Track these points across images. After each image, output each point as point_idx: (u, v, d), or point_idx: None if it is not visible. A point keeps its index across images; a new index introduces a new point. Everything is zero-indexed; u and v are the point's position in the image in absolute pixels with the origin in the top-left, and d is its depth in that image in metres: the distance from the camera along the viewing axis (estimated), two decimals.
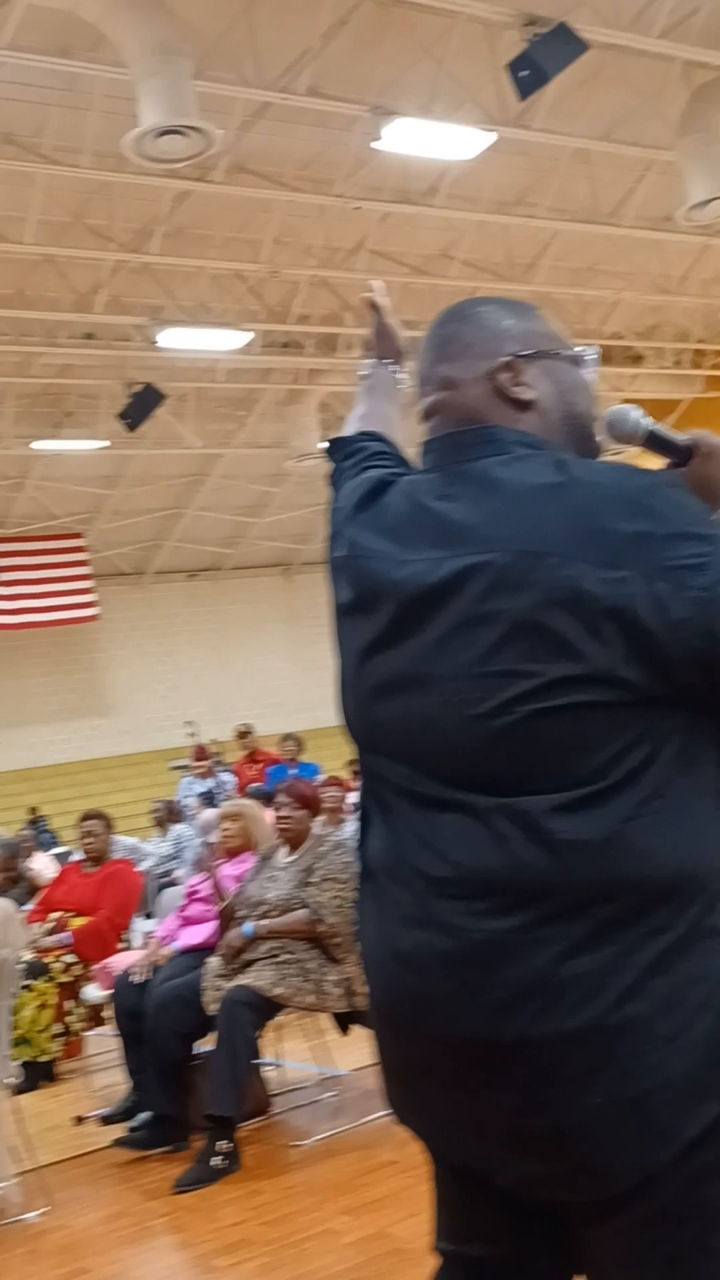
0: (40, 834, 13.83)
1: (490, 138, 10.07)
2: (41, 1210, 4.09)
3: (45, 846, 11.42)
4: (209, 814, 7.72)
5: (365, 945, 1.60)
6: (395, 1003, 1.53)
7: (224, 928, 4.83)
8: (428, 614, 1.52)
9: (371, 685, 1.59)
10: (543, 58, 8.42)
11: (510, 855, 1.42)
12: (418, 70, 9.66)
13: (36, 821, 15.34)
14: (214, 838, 5.71)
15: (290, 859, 4.93)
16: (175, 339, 13.62)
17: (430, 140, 9.93)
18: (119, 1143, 4.57)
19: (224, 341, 14.13)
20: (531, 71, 8.43)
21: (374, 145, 10.12)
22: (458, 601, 1.50)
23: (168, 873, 9.10)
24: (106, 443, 16.32)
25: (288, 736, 11.46)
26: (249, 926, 4.68)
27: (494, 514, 1.51)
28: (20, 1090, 4.62)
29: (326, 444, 1.88)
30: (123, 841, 7.98)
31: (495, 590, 1.47)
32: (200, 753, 12.22)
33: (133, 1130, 4.67)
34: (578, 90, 10.18)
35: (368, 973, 1.60)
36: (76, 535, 19.35)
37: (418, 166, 11.33)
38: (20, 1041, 5.47)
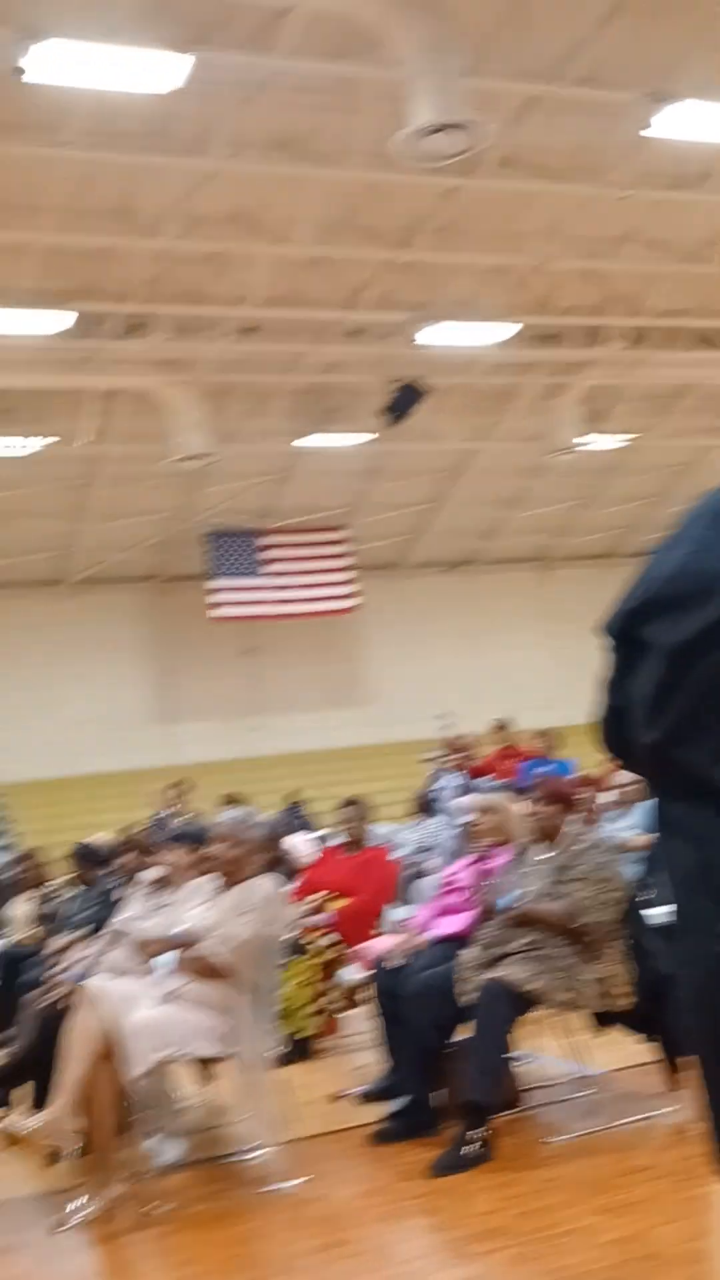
0: (297, 818, 14.25)
1: None
2: (302, 1180, 4.24)
3: (303, 830, 11.76)
4: (464, 799, 7.79)
5: (684, 959, 1.57)
6: None
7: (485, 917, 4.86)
8: None
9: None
10: None
11: None
12: (696, 53, 9.40)
13: (295, 805, 15.80)
14: (469, 818, 5.77)
15: (545, 855, 4.92)
16: (439, 334, 13.73)
17: (709, 124, 9.63)
18: (376, 1138, 4.66)
19: (488, 335, 14.14)
20: None
21: (644, 133, 9.91)
22: None
23: (421, 862, 9.21)
24: (373, 437, 16.63)
25: (543, 732, 11.39)
26: (510, 896, 4.70)
27: None
28: (281, 1063, 4.79)
29: None
30: (378, 829, 8.13)
31: None
32: (452, 745, 12.30)
33: (389, 1118, 4.76)
34: None
35: (696, 990, 1.56)
36: (339, 528, 19.81)
37: (691, 152, 11.02)
38: (281, 1016, 5.67)
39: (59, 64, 7.89)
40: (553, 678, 19.83)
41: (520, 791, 7.20)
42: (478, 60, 9.00)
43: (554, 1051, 5.15)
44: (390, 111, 8.93)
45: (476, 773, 11.33)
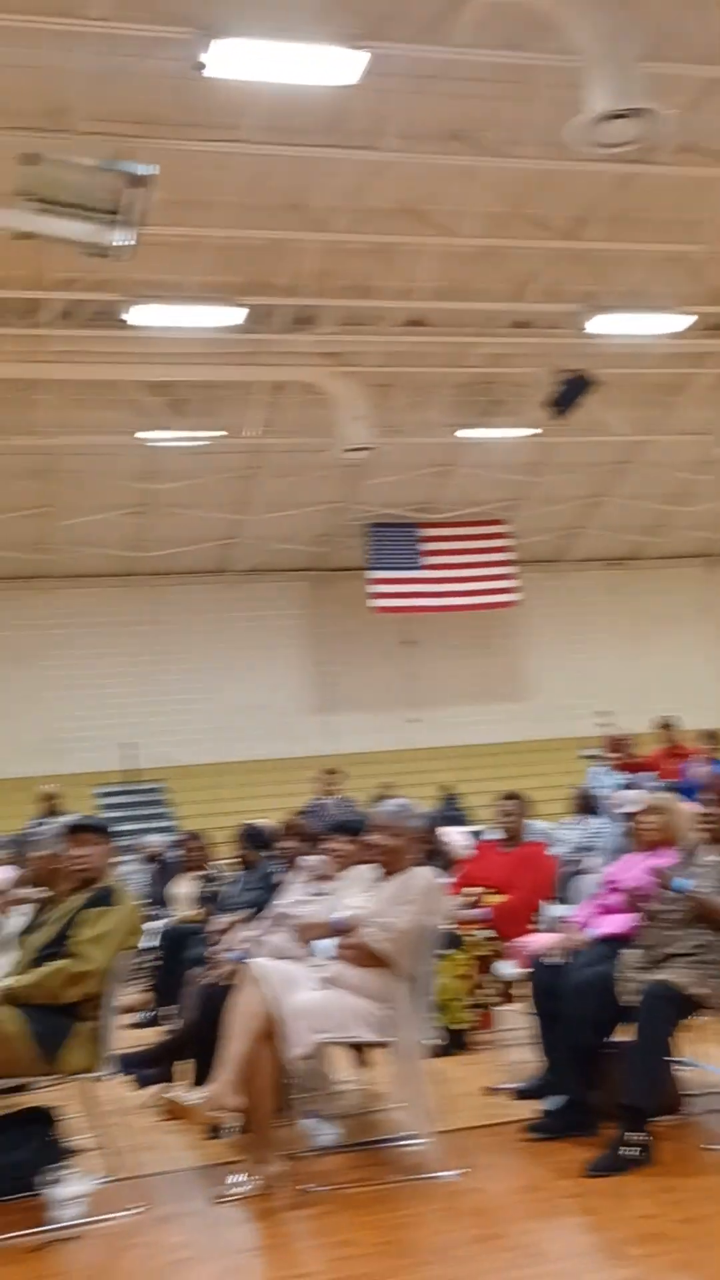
0: (452, 811, 14.22)
1: None
2: (458, 1171, 4.24)
3: (456, 823, 11.73)
4: (626, 793, 7.67)
5: None
6: None
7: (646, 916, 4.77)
8: None
9: None
10: None
11: None
12: None
13: (450, 798, 15.78)
14: (630, 807, 5.67)
15: (716, 857, 4.80)
16: (608, 325, 13.49)
17: None
18: (531, 1130, 4.63)
19: (660, 325, 13.83)
20: None
21: None
22: None
23: (579, 860, 9.09)
24: (537, 430, 16.48)
25: (710, 733, 11.14)
26: (686, 882, 4.60)
27: None
28: (436, 1054, 4.80)
29: None
30: (535, 825, 8.06)
31: None
32: (613, 743, 12.10)
33: (545, 1114, 4.72)
34: None
35: None
36: (500, 522, 19.70)
37: None
38: (436, 1008, 5.67)
39: (238, 59, 8.03)
40: (717, 679, 19.38)
41: (683, 792, 7.04)
42: (656, 45, 8.81)
43: (718, 1059, 5.03)
44: (565, 99, 8.81)
45: (634, 769, 11.14)
